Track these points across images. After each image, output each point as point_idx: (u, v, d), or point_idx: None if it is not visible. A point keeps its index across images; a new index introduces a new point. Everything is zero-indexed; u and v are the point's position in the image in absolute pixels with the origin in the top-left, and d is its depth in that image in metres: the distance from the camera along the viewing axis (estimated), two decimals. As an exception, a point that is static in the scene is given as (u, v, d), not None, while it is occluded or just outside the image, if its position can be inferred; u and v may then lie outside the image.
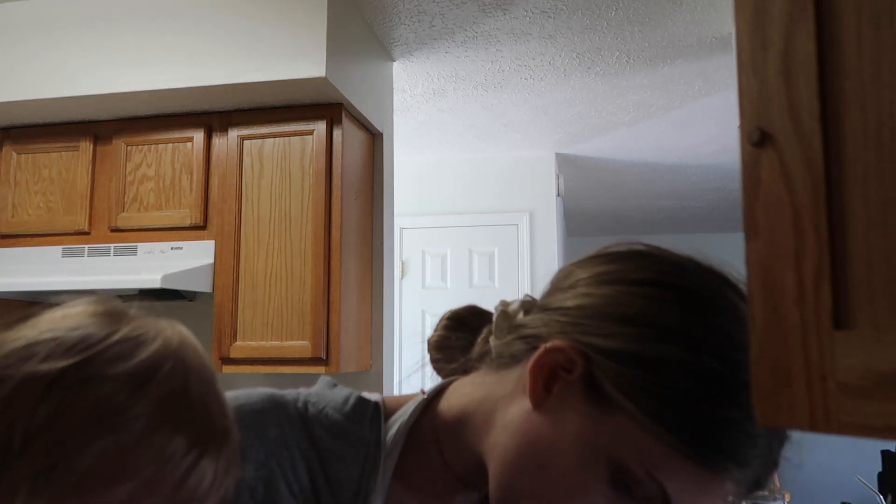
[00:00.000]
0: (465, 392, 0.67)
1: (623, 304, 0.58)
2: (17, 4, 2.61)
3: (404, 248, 4.39)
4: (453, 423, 0.66)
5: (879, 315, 0.39)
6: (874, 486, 2.97)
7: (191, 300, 2.78)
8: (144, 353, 0.49)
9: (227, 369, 2.44)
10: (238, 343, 2.43)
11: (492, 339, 0.67)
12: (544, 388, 0.59)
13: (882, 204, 0.39)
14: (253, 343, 2.42)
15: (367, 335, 2.71)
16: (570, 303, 0.61)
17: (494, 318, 0.67)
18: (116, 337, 0.50)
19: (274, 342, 2.41)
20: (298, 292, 2.41)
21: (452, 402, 0.68)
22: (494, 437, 0.62)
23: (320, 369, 2.36)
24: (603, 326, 0.58)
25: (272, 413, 0.66)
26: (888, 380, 0.37)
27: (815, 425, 0.41)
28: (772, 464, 0.58)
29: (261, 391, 0.68)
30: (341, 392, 0.70)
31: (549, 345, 0.59)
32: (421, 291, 4.34)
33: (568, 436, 0.58)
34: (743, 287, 0.59)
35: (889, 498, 2.75)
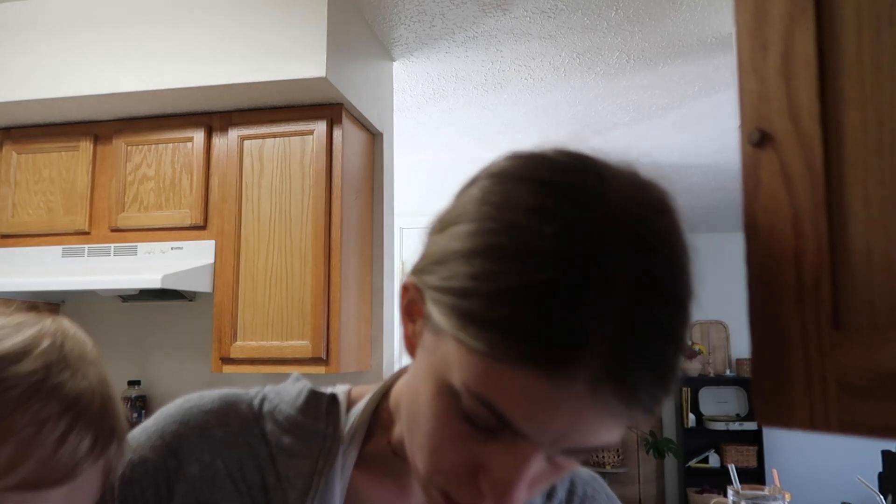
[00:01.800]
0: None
1: (442, 213, 0.53)
2: (18, 4, 2.61)
3: (404, 248, 4.39)
4: (394, 408, 0.65)
5: (879, 315, 0.39)
6: (874, 486, 2.97)
7: (191, 300, 2.78)
8: (21, 336, 0.54)
9: (228, 369, 2.45)
10: (238, 343, 2.43)
11: None
12: (413, 334, 0.54)
13: (882, 204, 0.39)
14: (253, 343, 2.42)
15: (367, 335, 2.71)
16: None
17: None
18: None
19: (274, 342, 2.41)
20: (298, 292, 2.41)
21: (399, 385, 0.65)
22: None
23: (320, 369, 2.37)
24: (430, 245, 0.52)
25: (220, 413, 0.66)
26: (888, 380, 0.37)
27: (815, 425, 0.41)
28: (641, 360, 0.43)
29: (215, 392, 0.68)
30: (297, 386, 0.68)
31: (401, 286, 0.55)
32: (421, 291, 4.33)
33: (421, 375, 0.52)
34: (606, 167, 0.49)
35: (889, 498, 2.75)
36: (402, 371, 0.68)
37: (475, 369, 0.46)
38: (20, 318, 0.57)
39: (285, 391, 0.68)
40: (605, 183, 0.47)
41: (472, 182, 0.52)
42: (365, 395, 0.68)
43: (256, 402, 0.67)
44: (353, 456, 0.64)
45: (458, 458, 0.49)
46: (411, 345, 0.54)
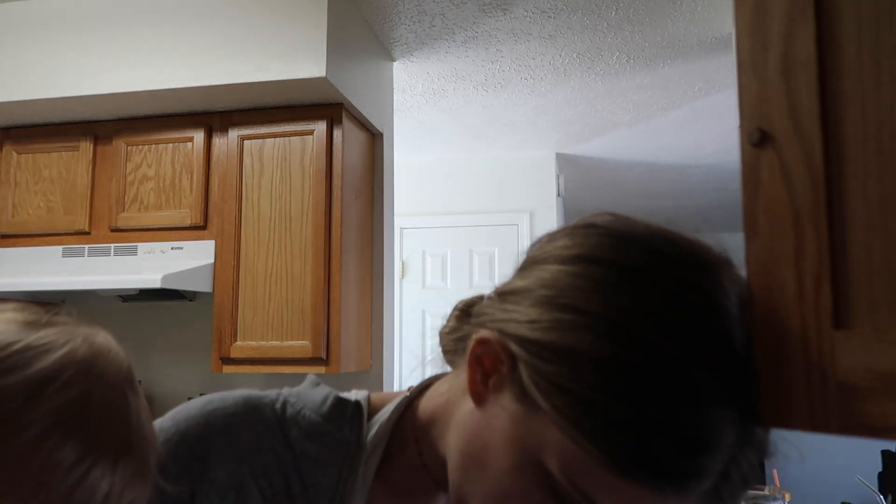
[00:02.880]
0: (440, 390, 0.65)
1: (549, 286, 0.52)
2: (18, 4, 2.61)
3: (404, 248, 4.38)
4: (426, 423, 0.64)
5: (879, 315, 0.39)
6: (874, 486, 2.97)
7: (191, 300, 2.78)
8: (44, 363, 0.48)
9: (228, 369, 2.45)
10: (238, 343, 2.43)
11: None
12: (483, 383, 0.55)
13: (882, 204, 0.39)
14: (253, 343, 2.42)
15: (367, 335, 2.71)
16: (511, 286, 0.56)
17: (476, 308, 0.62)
18: (18, 346, 0.49)
19: (274, 342, 2.41)
20: (298, 292, 2.41)
21: (429, 400, 0.66)
22: (448, 436, 0.60)
23: (320, 369, 2.36)
24: (527, 313, 0.52)
25: (246, 416, 0.64)
26: (888, 380, 0.37)
27: (815, 425, 0.41)
28: (740, 480, 0.49)
29: (237, 393, 0.66)
30: (321, 392, 0.67)
31: (477, 336, 0.55)
32: (421, 291, 4.33)
33: (499, 436, 0.53)
34: (728, 271, 0.51)
35: (889, 498, 2.75)
36: (427, 384, 0.68)
37: (583, 467, 0.48)
38: (52, 334, 0.51)
39: (307, 396, 0.67)
40: (733, 309, 0.49)
41: (574, 256, 0.52)
42: (386, 403, 0.67)
43: (278, 405, 0.66)
44: (374, 465, 0.64)
45: None
46: (479, 394, 0.55)
